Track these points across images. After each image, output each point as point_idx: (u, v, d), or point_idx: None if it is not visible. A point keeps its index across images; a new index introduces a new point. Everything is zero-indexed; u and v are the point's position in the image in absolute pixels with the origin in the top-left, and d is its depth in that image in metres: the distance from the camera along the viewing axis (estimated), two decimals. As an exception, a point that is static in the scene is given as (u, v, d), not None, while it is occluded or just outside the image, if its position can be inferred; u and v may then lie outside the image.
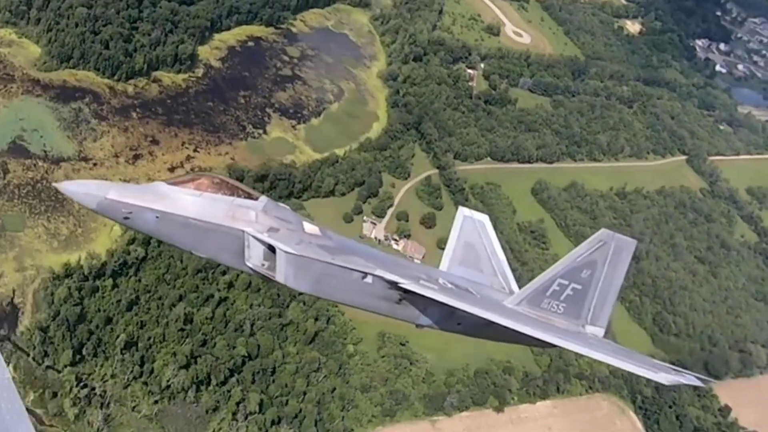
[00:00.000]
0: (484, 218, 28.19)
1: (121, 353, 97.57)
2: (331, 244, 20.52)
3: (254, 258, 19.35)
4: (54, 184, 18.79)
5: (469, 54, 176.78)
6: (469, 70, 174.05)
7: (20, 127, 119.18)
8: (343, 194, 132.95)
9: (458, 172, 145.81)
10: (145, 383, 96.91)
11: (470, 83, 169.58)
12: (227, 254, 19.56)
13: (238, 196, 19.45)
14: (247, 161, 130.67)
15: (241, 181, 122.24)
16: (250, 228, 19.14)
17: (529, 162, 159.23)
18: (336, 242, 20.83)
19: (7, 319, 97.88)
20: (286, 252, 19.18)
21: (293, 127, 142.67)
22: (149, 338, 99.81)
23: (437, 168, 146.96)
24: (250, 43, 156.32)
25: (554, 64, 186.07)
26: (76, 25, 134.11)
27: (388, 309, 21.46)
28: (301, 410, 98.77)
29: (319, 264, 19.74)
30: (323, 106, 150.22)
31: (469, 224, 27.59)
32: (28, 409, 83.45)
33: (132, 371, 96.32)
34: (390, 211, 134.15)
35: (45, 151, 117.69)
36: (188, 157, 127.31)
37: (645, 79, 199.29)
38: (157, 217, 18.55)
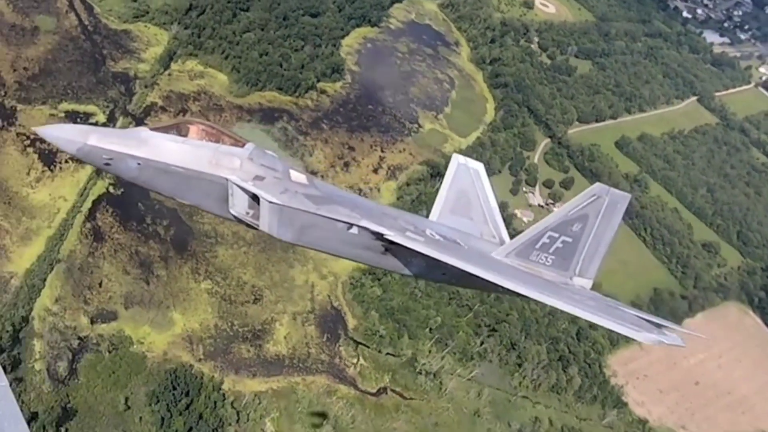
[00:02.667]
0: (479, 166, 27.74)
1: (430, 332, 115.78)
2: (317, 193, 20.06)
3: (238, 206, 19.12)
4: (33, 128, 18.64)
5: (527, 30, 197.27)
6: (532, 46, 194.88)
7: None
8: (500, 171, 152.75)
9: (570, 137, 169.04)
10: (454, 353, 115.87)
11: (540, 57, 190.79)
12: (211, 202, 19.34)
13: (224, 143, 19.06)
14: (420, 155, 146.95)
15: (439, 175, 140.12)
16: (235, 176, 18.75)
17: (603, 120, 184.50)
18: (323, 192, 20.42)
19: (338, 321, 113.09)
20: (269, 201, 18.82)
21: (436, 117, 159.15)
22: (442, 318, 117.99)
23: (549, 137, 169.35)
24: (368, 45, 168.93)
25: (587, 30, 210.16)
26: (248, 49, 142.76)
27: (374, 259, 21.21)
28: (572, 352, 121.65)
29: (303, 214, 19.38)
30: (446, 95, 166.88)
31: (463, 172, 27.09)
32: (392, 390, 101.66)
33: (445, 345, 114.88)
34: (538, 180, 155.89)
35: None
36: (381, 159, 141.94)
37: (646, 33, 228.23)
38: (138, 164, 18.18)
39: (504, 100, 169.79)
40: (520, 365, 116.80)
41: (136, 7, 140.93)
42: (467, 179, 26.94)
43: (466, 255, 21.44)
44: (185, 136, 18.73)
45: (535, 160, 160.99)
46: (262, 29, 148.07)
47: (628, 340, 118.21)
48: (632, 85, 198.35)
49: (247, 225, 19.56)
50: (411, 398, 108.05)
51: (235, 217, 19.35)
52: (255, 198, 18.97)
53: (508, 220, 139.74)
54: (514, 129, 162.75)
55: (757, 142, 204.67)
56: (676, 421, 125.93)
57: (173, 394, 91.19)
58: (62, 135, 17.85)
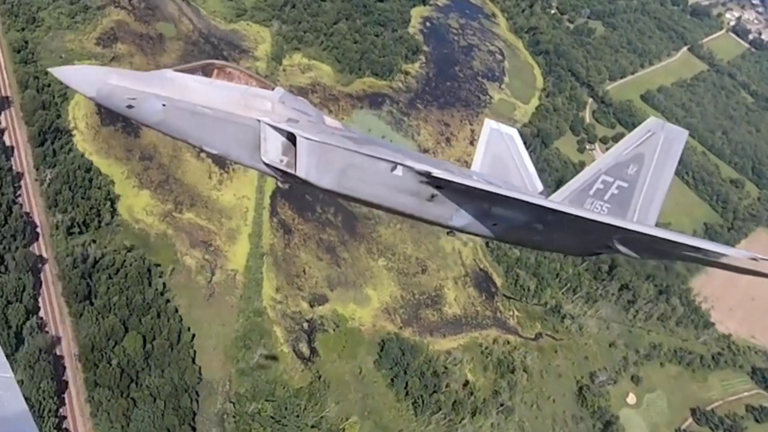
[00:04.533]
0: (513, 131, 26.06)
1: (560, 282, 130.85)
2: (354, 135, 18.55)
3: (271, 152, 17.44)
4: (49, 69, 17.00)
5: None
6: (554, 12, 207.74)
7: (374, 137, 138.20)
8: (564, 133, 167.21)
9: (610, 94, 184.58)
10: (573, 291, 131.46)
11: (565, 23, 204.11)
12: (241, 148, 17.69)
13: (252, 85, 17.73)
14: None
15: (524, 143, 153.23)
16: (267, 118, 17.34)
17: (625, 77, 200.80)
18: (359, 135, 19.07)
19: (488, 281, 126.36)
20: (307, 139, 17.06)
21: (500, 87, 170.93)
22: (572, 269, 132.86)
23: (591, 97, 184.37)
24: (427, 23, 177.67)
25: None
26: (343, 39, 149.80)
27: (419, 208, 18.87)
28: (667, 286, 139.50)
29: (344, 153, 17.50)
30: (501, 65, 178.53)
31: (497, 137, 25.49)
32: (546, 334, 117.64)
33: (573, 292, 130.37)
34: (597, 137, 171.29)
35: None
36: (472, 131, 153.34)
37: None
38: (163, 104, 16.89)
39: (549, 66, 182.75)
40: (630, 302, 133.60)
41: (235, 6, 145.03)
42: (502, 145, 25.34)
43: (523, 193, 19.55)
44: (212, 76, 17.66)
45: (587, 119, 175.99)
46: (347, 19, 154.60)
47: (699, 269, 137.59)
48: (641, 41, 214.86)
49: (282, 175, 18.07)
50: (561, 339, 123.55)
51: (267, 165, 17.83)
52: (290, 141, 17.42)
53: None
54: (565, 92, 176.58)
55: (743, 84, 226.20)
56: (747, 332, 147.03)
57: (400, 359, 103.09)
58: (80, 76, 16.66)
